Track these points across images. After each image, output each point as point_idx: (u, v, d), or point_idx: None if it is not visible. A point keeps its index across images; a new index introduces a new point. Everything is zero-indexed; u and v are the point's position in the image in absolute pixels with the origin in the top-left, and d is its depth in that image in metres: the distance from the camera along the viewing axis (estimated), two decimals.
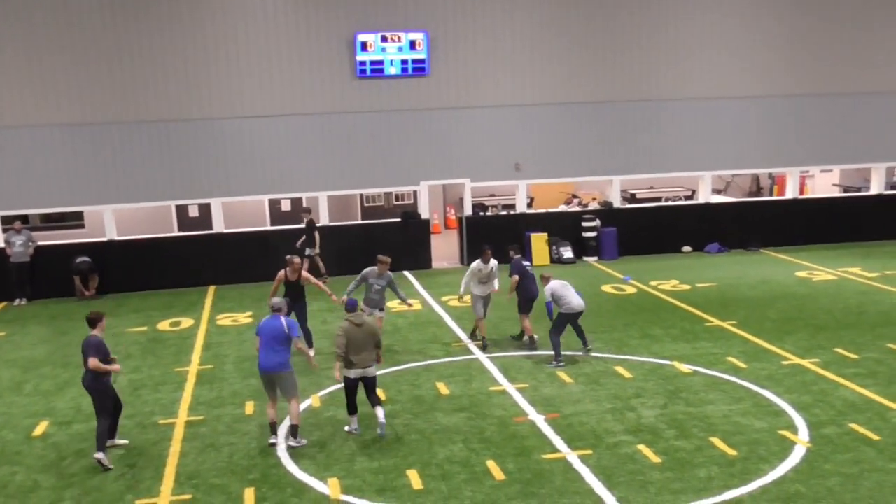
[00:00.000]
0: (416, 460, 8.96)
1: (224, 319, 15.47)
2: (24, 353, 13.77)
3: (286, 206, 23.93)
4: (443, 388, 11.17)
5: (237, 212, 20.70)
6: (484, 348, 12.86)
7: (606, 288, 17.01)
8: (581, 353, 12.32)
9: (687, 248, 20.84)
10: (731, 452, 8.91)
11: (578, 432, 9.56)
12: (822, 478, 8.30)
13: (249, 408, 10.69)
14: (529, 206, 22.34)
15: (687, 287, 16.82)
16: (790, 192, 21.74)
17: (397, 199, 25.35)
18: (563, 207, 22.85)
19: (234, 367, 12.45)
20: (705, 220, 20.98)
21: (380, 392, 10.26)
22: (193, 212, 22.71)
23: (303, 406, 10.46)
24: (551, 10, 19.41)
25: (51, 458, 9.39)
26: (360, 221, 22.96)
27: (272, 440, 9.44)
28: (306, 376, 10.52)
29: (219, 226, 18.84)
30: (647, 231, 20.52)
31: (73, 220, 22.23)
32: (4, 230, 17.85)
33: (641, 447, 9.10)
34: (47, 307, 17.09)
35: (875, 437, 9.17)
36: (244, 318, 15.49)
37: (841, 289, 16.29)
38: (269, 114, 18.56)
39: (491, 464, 8.81)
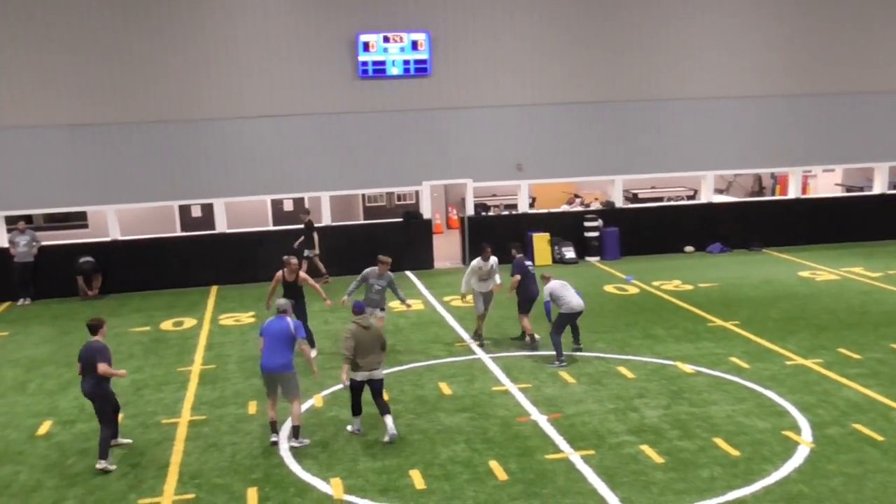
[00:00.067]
0: (418, 460, 8.96)
1: (226, 319, 15.49)
2: (28, 352, 13.80)
3: (288, 206, 23.96)
4: (445, 389, 11.17)
5: (240, 212, 20.73)
6: (481, 345, 12.94)
7: (609, 288, 17.01)
8: (576, 353, 12.34)
9: (689, 248, 20.83)
10: (735, 453, 8.91)
11: (581, 432, 9.56)
12: (826, 478, 8.29)
13: (252, 407, 10.70)
14: (531, 206, 22.35)
15: (689, 287, 16.81)
16: (793, 192, 21.72)
17: (399, 199, 25.36)
18: (565, 207, 22.85)
19: (236, 367, 12.47)
20: (707, 219, 20.97)
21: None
22: (196, 212, 22.75)
23: (305, 406, 10.47)
24: (552, 10, 19.41)
25: (54, 458, 9.40)
26: (362, 221, 22.97)
27: (273, 439, 9.46)
28: (308, 376, 10.52)
29: (221, 226, 18.86)
30: (649, 231, 20.52)
31: (77, 220, 22.28)
32: (9, 230, 17.90)
33: (644, 447, 9.09)
34: (50, 307, 17.12)
35: (879, 438, 9.16)
36: (247, 317, 15.51)
37: (844, 289, 16.27)
38: (272, 114, 18.58)
39: (494, 464, 8.81)
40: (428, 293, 17.03)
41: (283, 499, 8.24)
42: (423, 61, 18.84)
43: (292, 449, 9.34)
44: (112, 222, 18.40)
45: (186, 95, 18.16)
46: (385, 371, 11.23)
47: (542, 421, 9.93)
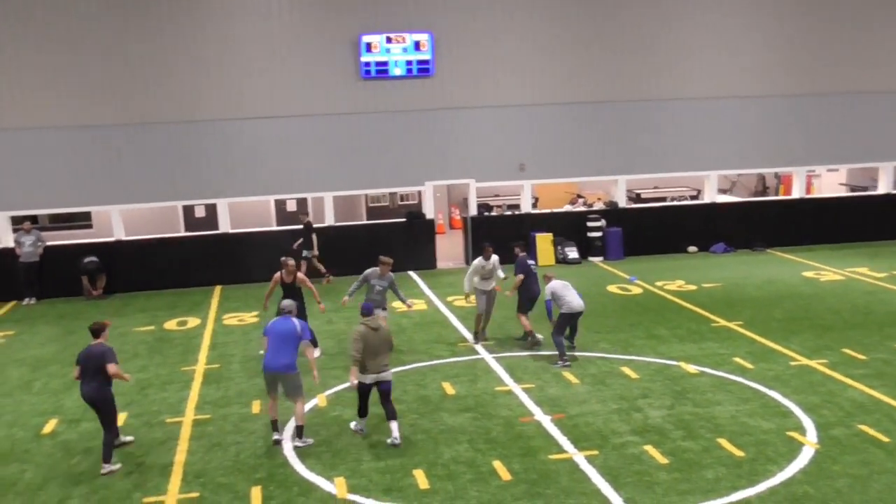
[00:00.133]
0: (422, 460, 8.97)
1: (230, 319, 15.51)
2: (33, 351, 13.84)
3: (292, 206, 24.00)
4: (448, 388, 11.18)
5: (243, 212, 20.76)
6: (476, 340, 13.10)
7: (612, 288, 16.99)
8: (570, 351, 12.35)
9: (692, 248, 20.80)
10: (739, 453, 8.90)
11: (584, 433, 9.55)
12: (831, 479, 8.27)
13: (256, 407, 10.71)
14: (534, 206, 22.33)
15: (693, 287, 16.79)
16: (796, 192, 21.69)
17: (402, 199, 25.38)
18: (567, 207, 22.83)
19: (240, 367, 12.49)
20: (711, 219, 20.94)
21: None
22: (200, 212, 22.78)
23: (309, 405, 10.48)
24: (553, 10, 19.41)
25: (59, 456, 9.43)
26: (365, 222, 22.98)
27: (276, 437, 9.48)
28: (309, 378, 10.53)
29: (225, 226, 18.89)
30: (652, 231, 20.50)
31: (81, 220, 22.34)
32: (14, 230, 17.96)
33: (648, 448, 9.09)
34: (55, 306, 17.16)
35: (884, 439, 9.14)
36: (250, 317, 15.53)
37: (848, 289, 16.24)
38: (275, 115, 18.60)
39: (497, 464, 8.81)
40: (431, 293, 17.03)
41: (287, 498, 8.25)
42: (426, 62, 18.85)
43: (296, 448, 9.34)
44: (116, 222, 18.45)
45: (188, 96, 18.18)
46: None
47: (546, 421, 9.93)
